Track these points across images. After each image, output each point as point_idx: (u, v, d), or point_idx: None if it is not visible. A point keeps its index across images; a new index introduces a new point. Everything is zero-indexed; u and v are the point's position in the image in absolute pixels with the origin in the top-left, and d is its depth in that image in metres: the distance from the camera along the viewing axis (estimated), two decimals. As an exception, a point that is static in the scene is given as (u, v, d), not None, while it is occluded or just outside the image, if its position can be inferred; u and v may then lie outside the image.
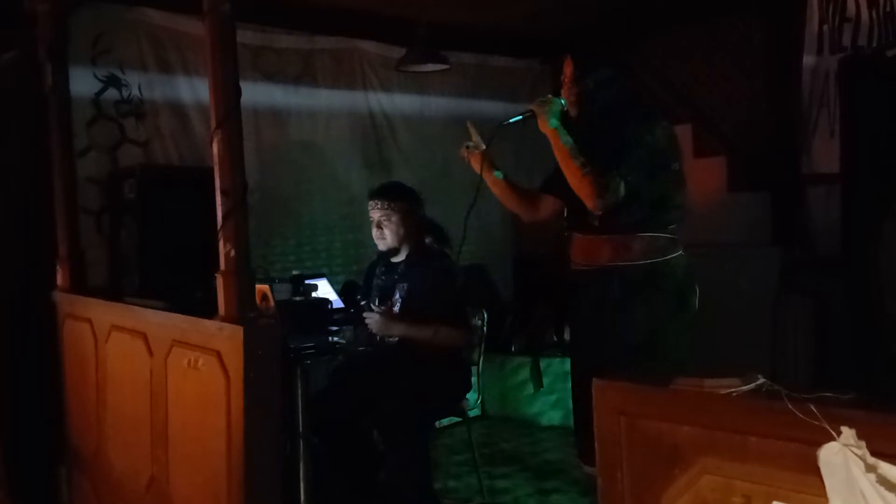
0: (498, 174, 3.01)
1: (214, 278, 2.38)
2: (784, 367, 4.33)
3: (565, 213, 2.97)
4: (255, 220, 3.61)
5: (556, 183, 2.90)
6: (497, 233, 5.89)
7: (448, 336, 3.30)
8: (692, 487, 1.54)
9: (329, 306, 3.35)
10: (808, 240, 4.54)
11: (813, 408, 1.32)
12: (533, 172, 4.66)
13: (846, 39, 4.40)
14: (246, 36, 4.60)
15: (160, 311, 2.74)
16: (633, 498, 1.67)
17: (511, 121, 2.89)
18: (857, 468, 1.24)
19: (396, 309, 3.40)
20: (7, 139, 3.78)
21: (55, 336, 3.53)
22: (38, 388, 3.62)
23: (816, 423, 1.30)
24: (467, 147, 3.01)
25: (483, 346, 3.78)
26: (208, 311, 2.42)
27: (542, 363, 4.63)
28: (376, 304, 3.47)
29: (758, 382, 1.50)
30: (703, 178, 4.89)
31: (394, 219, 3.39)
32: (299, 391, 2.94)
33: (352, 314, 3.45)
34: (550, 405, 4.96)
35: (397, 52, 5.02)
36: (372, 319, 3.32)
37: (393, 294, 3.44)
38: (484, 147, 2.98)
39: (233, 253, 2.34)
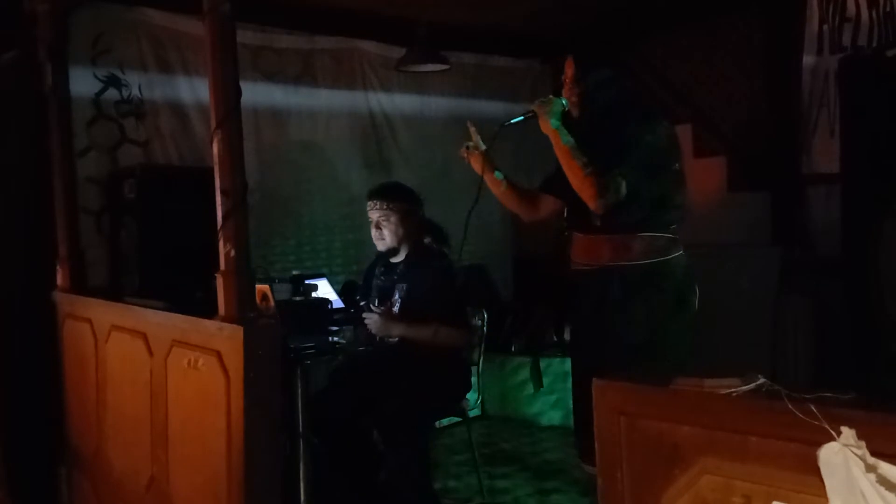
0: (498, 174, 3.01)
1: (214, 278, 2.38)
2: (784, 367, 4.33)
3: (565, 212, 2.97)
4: (255, 220, 3.60)
5: (556, 182, 2.91)
6: (497, 233, 5.89)
7: (448, 336, 3.30)
8: (692, 487, 1.54)
9: (329, 306, 3.35)
10: (808, 240, 4.54)
11: (813, 408, 1.32)
12: (533, 172, 4.63)
13: (846, 39, 4.40)
14: (246, 36, 4.60)
15: (160, 311, 2.74)
16: (633, 498, 1.67)
17: (513, 121, 2.89)
18: (857, 468, 1.24)
19: (396, 309, 3.40)
20: (7, 139, 3.78)
21: (55, 336, 3.53)
22: (38, 388, 3.62)
23: (816, 423, 1.30)
24: (467, 147, 3.01)
25: (483, 346, 3.77)
26: (208, 311, 2.42)
27: (542, 363, 4.63)
28: (375, 304, 3.47)
29: (758, 382, 1.50)
30: (703, 178, 4.88)
31: (392, 219, 3.39)
32: (299, 391, 2.94)
33: (352, 314, 3.45)
34: (550, 405, 4.96)
35: (397, 52, 5.03)
36: (371, 320, 3.32)
37: (392, 294, 3.44)
38: (484, 147, 2.98)
39: (233, 253, 2.34)
